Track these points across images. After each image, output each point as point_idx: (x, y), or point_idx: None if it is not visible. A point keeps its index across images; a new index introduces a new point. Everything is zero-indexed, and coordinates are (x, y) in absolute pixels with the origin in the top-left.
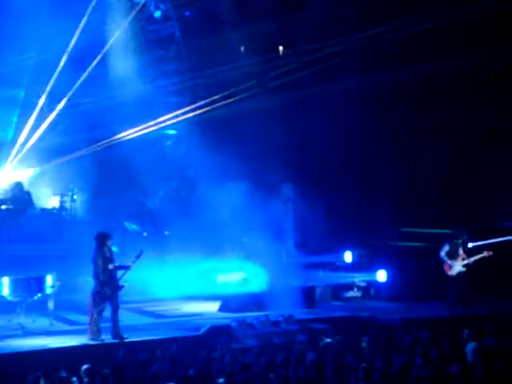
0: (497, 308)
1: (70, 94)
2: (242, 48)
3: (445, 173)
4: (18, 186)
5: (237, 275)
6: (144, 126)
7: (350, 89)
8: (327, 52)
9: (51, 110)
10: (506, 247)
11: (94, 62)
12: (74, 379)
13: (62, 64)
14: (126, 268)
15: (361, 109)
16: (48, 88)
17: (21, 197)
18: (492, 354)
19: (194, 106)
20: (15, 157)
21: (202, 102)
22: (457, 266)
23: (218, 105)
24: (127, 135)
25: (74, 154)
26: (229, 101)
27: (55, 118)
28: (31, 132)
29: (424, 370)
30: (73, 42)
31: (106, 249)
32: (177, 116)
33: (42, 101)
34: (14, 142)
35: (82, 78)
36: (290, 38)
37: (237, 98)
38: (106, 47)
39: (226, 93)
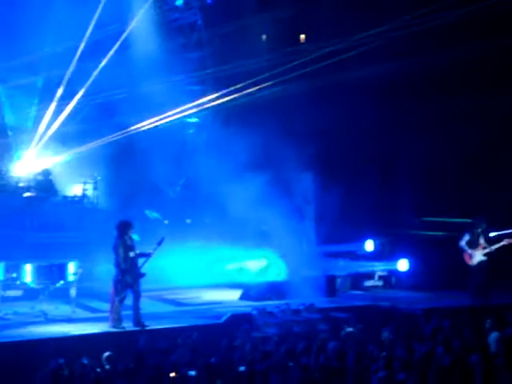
0: None
1: (89, 82)
2: (264, 36)
3: (467, 161)
4: (45, 173)
5: (257, 264)
6: (166, 114)
7: (371, 76)
8: (347, 40)
9: (71, 97)
10: None
11: (114, 49)
12: (96, 366)
13: (79, 52)
14: (148, 255)
15: (381, 96)
16: (67, 76)
17: (44, 184)
18: None
19: (216, 95)
20: (37, 143)
21: (225, 91)
22: (477, 256)
23: (239, 94)
24: (149, 124)
25: (96, 141)
26: (250, 90)
27: (75, 105)
28: (52, 119)
29: (445, 359)
30: (89, 30)
31: (127, 237)
32: (199, 105)
33: (60, 89)
34: (35, 129)
35: (100, 65)
36: (311, 26)
37: (258, 87)
38: (126, 33)
39: (248, 82)
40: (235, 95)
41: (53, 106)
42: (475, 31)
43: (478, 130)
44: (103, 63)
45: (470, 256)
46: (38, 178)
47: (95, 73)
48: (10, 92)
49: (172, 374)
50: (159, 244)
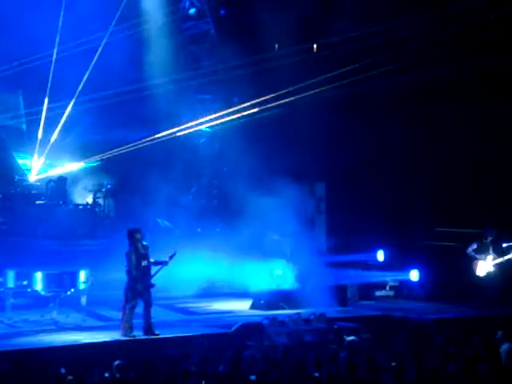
0: None
1: (80, 87)
2: (276, 46)
3: (480, 171)
4: (58, 181)
5: (269, 273)
6: (178, 126)
7: (382, 87)
8: (360, 49)
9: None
10: None
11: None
12: (106, 375)
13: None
14: (163, 263)
15: (394, 107)
16: (50, 78)
17: (57, 192)
18: None
19: (230, 110)
20: (43, 151)
21: (237, 104)
22: (487, 266)
23: (253, 109)
24: (161, 136)
25: (109, 151)
26: (262, 98)
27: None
28: (51, 125)
29: (456, 369)
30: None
31: (140, 245)
32: (210, 114)
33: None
34: (33, 134)
35: (90, 69)
36: (323, 35)
37: (270, 97)
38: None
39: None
40: (248, 106)
41: (45, 108)
42: None
43: (489, 141)
44: (91, 67)
45: (480, 266)
46: (50, 186)
47: (85, 77)
48: None
49: None
50: (171, 258)
